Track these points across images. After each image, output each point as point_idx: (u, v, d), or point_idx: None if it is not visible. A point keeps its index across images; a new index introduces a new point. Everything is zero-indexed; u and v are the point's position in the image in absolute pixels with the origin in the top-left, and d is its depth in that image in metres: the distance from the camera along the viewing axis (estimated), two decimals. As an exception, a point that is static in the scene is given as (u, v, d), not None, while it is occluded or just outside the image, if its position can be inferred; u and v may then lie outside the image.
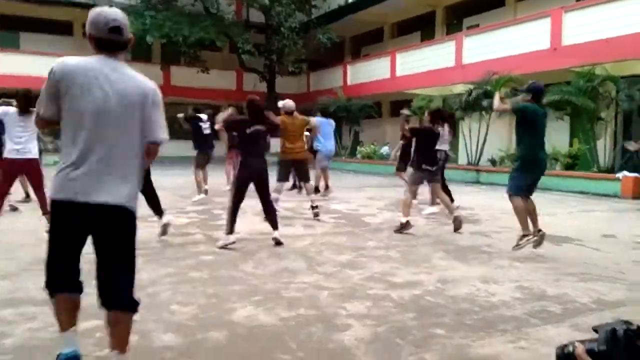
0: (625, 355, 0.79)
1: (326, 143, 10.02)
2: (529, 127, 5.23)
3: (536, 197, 5.70)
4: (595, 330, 0.87)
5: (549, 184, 12.03)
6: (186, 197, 9.58)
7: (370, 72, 20.89)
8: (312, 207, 7.35)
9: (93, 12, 2.39)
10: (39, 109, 2.28)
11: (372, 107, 20.35)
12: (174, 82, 22.79)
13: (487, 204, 9.30)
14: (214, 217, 7.46)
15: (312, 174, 8.64)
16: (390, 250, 5.40)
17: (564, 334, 3.04)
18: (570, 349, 0.84)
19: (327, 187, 10.18)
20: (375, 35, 24.10)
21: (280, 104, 7.60)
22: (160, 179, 9.45)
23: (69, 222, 2.29)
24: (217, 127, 7.05)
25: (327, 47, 21.61)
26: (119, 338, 2.34)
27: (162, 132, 2.43)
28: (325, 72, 24.39)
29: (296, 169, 7.89)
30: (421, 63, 17.88)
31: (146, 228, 6.24)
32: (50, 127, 2.40)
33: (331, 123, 10.38)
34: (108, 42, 2.33)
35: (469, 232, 6.61)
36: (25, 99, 5.80)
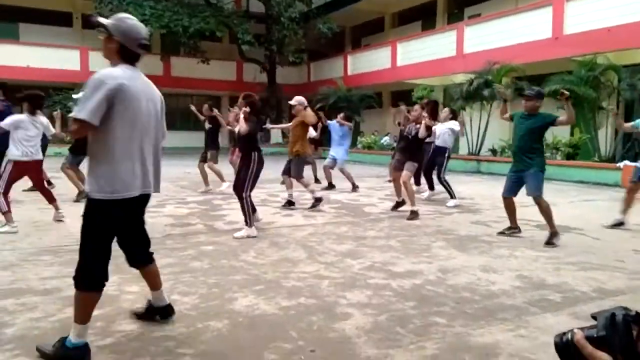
0: (624, 341, 0.79)
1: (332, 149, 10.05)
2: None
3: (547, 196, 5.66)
4: (594, 317, 0.86)
5: (549, 173, 12.00)
6: (186, 188, 9.59)
7: (370, 62, 20.81)
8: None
9: (127, 23, 2.58)
10: (86, 116, 2.38)
11: (372, 97, 20.30)
12: (174, 73, 22.74)
13: (488, 194, 9.30)
14: (215, 207, 7.47)
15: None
16: (391, 240, 5.41)
17: (564, 322, 3.05)
18: (569, 336, 0.84)
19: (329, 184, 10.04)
20: (376, 25, 23.96)
21: (301, 100, 7.37)
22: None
23: (120, 217, 2.62)
24: (231, 128, 7.38)
25: (327, 37, 21.50)
26: (154, 283, 3.03)
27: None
28: (326, 62, 24.29)
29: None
30: (422, 53, 17.80)
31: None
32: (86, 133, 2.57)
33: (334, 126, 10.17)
34: (133, 55, 2.60)
35: (470, 221, 6.62)
36: (36, 101, 5.85)
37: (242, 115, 5.60)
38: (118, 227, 2.64)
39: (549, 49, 13.38)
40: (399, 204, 7.30)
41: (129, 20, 2.59)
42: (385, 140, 19.03)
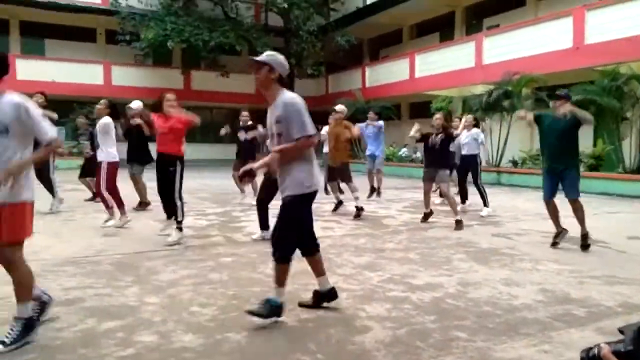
0: None
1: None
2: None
3: (559, 199, 5.62)
4: (621, 331, 0.84)
5: (572, 185, 11.82)
6: (205, 200, 9.66)
7: (389, 73, 20.82)
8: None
9: (282, 59, 3.32)
10: (313, 132, 3.21)
11: (390, 109, 20.27)
12: (194, 87, 23.08)
13: (509, 206, 9.17)
14: (233, 219, 7.51)
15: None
16: (410, 252, 5.36)
17: (589, 337, 2.97)
18: (596, 351, 0.82)
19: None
20: (394, 37, 24.01)
21: (345, 109, 7.97)
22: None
23: (309, 208, 3.40)
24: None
25: (345, 49, 21.60)
26: (319, 269, 3.58)
27: None
28: (344, 75, 24.39)
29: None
30: (440, 64, 17.76)
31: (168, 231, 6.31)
32: None
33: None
34: (282, 80, 3.32)
35: (491, 233, 6.53)
36: (115, 110, 6.82)
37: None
38: (309, 218, 3.42)
39: (570, 59, 13.23)
40: (427, 215, 7.35)
41: (281, 57, 3.31)
42: (404, 151, 18.95)
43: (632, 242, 6.06)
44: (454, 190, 8.71)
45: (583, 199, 5.70)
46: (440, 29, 21.29)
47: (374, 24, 22.64)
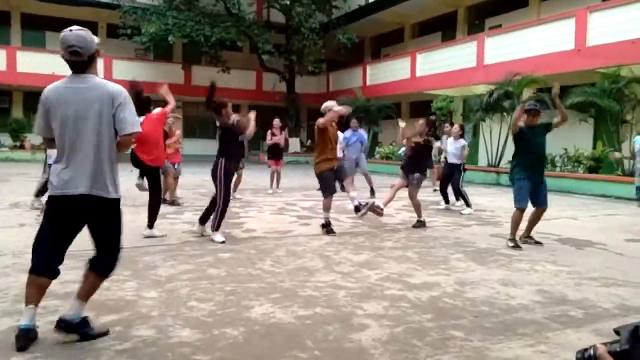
0: None
1: None
2: None
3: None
4: (616, 332, 0.85)
5: (571, 187, 11.85)
6: (205, 196, 9.65)
7: (389, 72, 20.81)
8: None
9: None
10: None
11: (391, 107, 20.27)
12: (195, 82, 23.04)
13: (508, 206, 9.14)
14: (232, 215, 7.51)
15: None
16: (408, 251, 5.37)
17: (585, 338, 2.98)
18: (591, 352, 0.82)
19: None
20: (396, 36, 23.98)
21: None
22: (182, 176, 9.59)
23: None
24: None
25: (347, 47, 21.58)
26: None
27: None
28: (345, 72, 24.37)
29: None
30: (442, 63, 17.75)
31: (164, 225, 6.33)
32: None
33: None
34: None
35: (489, 234, 6.54)
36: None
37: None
38: None
39: (571, 60, 13.23)
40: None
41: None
42: (403, 150, 18.94)
43: (630, 244, 6.07)
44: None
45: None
46: (442, 29, 21.27)
47: (375, 22, 22.61)
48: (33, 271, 2.78)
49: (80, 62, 2.74)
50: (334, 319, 3.26)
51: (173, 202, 8.45)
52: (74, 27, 2.80)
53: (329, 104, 6.43)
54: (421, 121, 7.23)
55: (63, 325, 2.74)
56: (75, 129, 2.72)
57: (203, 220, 5.89)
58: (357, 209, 6.52)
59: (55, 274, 2.82)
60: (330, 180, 6.35)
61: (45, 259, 2.78)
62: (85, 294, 2.86)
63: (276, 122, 11.14)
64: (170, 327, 3.02)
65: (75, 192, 2.71)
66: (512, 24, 16.52)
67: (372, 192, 10.44)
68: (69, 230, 2.81)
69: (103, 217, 2.82)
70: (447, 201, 8.96)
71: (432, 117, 8.53)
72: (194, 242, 5.54)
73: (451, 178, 8.78)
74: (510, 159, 6.15)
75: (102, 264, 2.88)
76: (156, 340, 2.85)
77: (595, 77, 12.47)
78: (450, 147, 8.88)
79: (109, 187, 2.78)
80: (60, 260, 2.84)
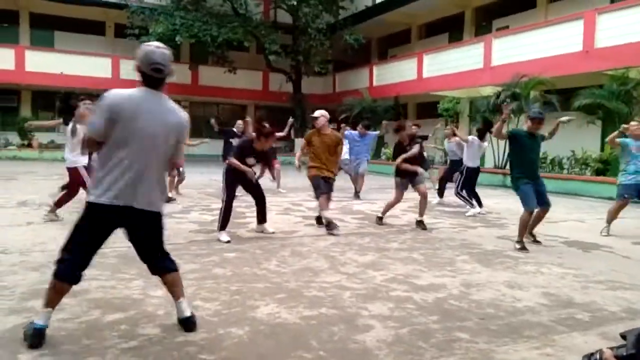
0: None
1: None
2: None
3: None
4: (623, 336, 0.84)
5: (578, 189, 11.78)
6: (211, 195, 9.69)
7: (396, 73, 20.77)
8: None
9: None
10: None
11: (394, 109, 20.24)
12: (202, 82, 23.13)
13: (514, 208, 9.10)
14: (238, 215, 7.52)
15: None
16: (414, 252, 5.36)
17: (592, 342, 2.97)
18: (598, 356, 0.82)
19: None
20: (403, 37, 23.93)
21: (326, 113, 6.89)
22: (188, 176, 9.64)
23: None
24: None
25: (353, 48, 21.57)
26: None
27: None
28: (351, 73, 24.35)
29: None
30: (449, 65, 17.69)
31: (171, 224, 6.36)
32: None
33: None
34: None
35: (495, 236, 6.52)
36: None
37: None
38: None
39: (579, 62, 13.15)
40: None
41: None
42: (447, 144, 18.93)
43: (637, 247, 6.03)
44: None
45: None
46: (450, 30, 21.21)
47: (382, 23, 22.58)
48: (59, 278, 2.77)
49: (160, 79, 2.80)
50: (339, 319, 3.26)
51: (168, 200, 8.46)
52: (155, 44, 2.85)
53: (315, 114, 6.66)
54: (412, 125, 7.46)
55: (193, 322, 3.00)
56: (145, 145, 2.76)
57: (260, 220, 6.21)
58: (328, 225, 6.40)
59: (79, 280, 2.83)
60: (318, 181, 6.48)
61: (75, 267, 2.78)
62: (179, 291, 3.05)
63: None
64: (176, 326, 3.02)
65: (129, 204, 2.75)
66: (519, 26, 16.45)
67: (357, 194, 10.35)
68: (105, 239, 2.85)
69: (155, 228, 2.98)
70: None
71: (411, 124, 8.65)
72: (200, 242, 5.56)
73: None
74: (509, 167, 6.25)
75: (169, 262, 3.06)
76: (162, 339, 2.86)
77: (603, 79, 12.39)
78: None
79: (160, 202, 2.97)
80: (87, 267, 2.84)
